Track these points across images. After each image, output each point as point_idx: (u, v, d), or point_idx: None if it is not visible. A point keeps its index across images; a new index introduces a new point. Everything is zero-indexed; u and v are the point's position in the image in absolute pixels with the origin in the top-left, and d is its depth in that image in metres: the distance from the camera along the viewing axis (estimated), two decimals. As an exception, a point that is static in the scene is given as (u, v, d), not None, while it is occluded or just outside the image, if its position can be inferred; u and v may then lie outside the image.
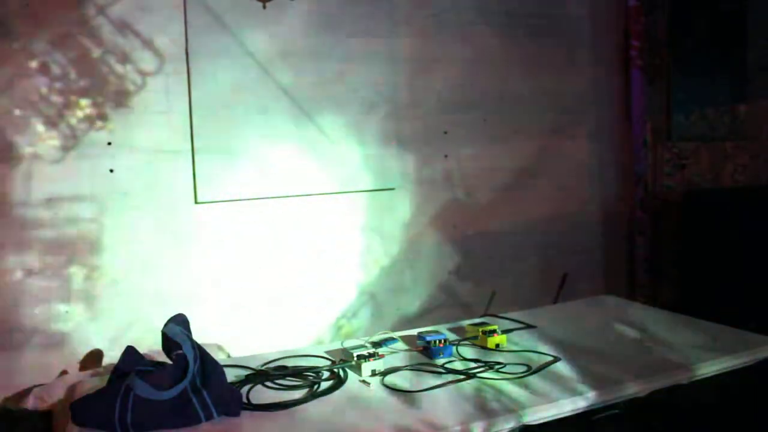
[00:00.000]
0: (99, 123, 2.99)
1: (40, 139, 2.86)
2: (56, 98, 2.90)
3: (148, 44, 3.03)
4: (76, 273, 2.95)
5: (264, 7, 3.00)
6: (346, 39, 3.33)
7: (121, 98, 3.02)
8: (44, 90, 2.89)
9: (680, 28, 4.15)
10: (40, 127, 2.88)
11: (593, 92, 4.04)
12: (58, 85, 2.90)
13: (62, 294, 2.93)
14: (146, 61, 3.05)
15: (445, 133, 3.64)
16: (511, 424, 1.61)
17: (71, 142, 2.93)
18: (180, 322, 1.71)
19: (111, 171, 2.94)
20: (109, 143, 2.93)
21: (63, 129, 2.92)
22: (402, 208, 3.55)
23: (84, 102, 2.96)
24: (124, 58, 3.01)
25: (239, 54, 3.14)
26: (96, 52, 2.96)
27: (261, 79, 3.18)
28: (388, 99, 3.45)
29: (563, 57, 3.91)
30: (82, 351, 2.94)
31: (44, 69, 2.87)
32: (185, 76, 3.08)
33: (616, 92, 4.13)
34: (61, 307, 2.92)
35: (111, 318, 2.99)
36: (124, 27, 2.99)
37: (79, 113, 2.96)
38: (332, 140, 3.34)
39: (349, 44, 3.35)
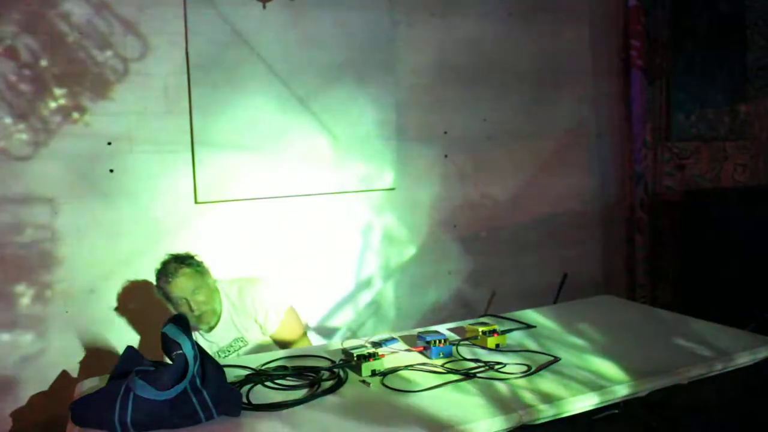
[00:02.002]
0: (75, 115, 2.70)
1: (7, 133, 2.61)
2: (26, 87, 2.62)
3: (130, 28, 2.76)
4: (24, 292, 2.72)
5: (264, 7, 3.00)
6: (347, 36, 3.33)
7: (101, 88, 2.75)
8: (12, 77, 2.61)
9: (680, 28, 4.15)
10: (6, 119, 2.63)
11: (593, 92, 4.04)
12: (27, 72, 2.62)
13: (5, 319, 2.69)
14: (129, 46, 2.79)
15: (445, 133, 3.64)
16: (511, 424, 1.60)
17: (43, 136, 2.64)
18: (180, 322, 1.71)
19: (111, 171, 2.93)
20: (110, 143, 2.90)
21: (34, 122, 2.63)
22: (402, 208, 3.55)
23: (58, 91, 2.69)
24: (104, 43, 2.73)
25: (240, 50, 3.12)
26: (71, 36, 2.67)
27: (263, 77, 3.18)
28: (387, 100, 3.46)
29: (563, 57, 3.91)
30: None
31: (12, 53, 2.58)
32: (173, 64, 2.92)
33: (616, 92, 4.13)
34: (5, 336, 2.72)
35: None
36: (102, 8, 2.72)
37: (53, 104, 2.68)
38: (336, 137, 3.33)
39: (350, 40, 3.35)
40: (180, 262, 2.44)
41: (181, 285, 2.40)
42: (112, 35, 2.80)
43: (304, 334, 2.62)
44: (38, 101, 2.67)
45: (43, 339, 2.84)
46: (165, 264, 2.45)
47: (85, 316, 2.92)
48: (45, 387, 2.86)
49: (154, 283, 2.47)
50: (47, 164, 2.72)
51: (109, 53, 2.73)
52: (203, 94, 3.05)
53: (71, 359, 2.89)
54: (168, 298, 2.45)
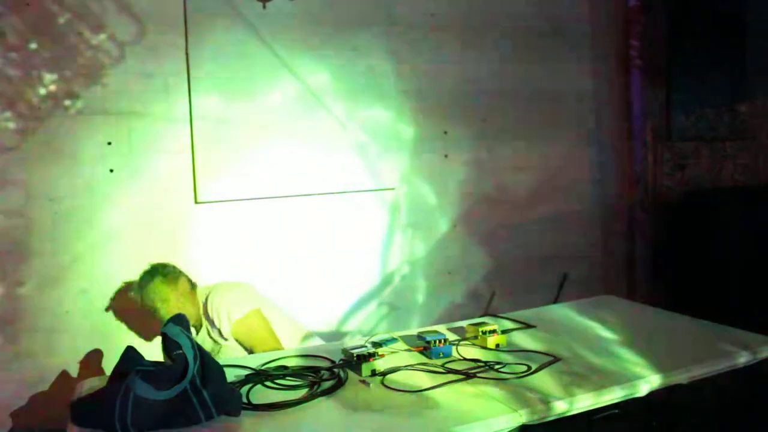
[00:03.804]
0: (67, 102, 2.58)
1: None
2: (13, 71, 2.49)
3: (125, 9, 2.63)
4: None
5: (264, 7, 2.99)
6: (347, 36, 3.33)
7: (94, 73, 2.62)
8: None
9: (680, 28, 4.15)
10: None
11: (593, 92, 4.04)
12: (14, 55, 2.48)
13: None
14: (124, 29, 2.66)
15: (445, 133, 3.64)
16: (511, 424, 1.60)
17: (32, 125, 2.50)
18: (180, 322, 1.71)
19: (111, 171, 2.92)
20: (110, 143, 2.90)
21: (22, 109, 2.50)
22: (401, 208, 3.55)
23: (48, 77, 2.57)
24: (98, 25, 2.61)
25: (243, 39, 3.09)
26: (62, 17, 2.54)
27: (267, 70, 3.17)
28: (388, 98, 3.46)
29: (563, 57, 3.91)
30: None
31: None
32: (171, 48, 2.82)
33: (616, 92, 4.13)
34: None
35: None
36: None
37: (42, 90, 2.56)
38: (340, 134, 3.32)
39: (351, 42, 3.35)
40: (152, 274, 2.54)
41: (151, 295, 2.53)
42: (106, 16, 2.68)
43: (271, 337, 2.52)
44: (26, 87, 2.53)
45: (41, 338, 2.83)
46: (141, 275, 2.56)
47: (83, 315, 2.92)
48: (45, 387, 2.86)
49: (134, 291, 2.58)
50: (37, 154, 2.61)
51: (102, 36, 2.61)
52: (203, 86, 3.04)
53: (71, 359, 2.89)
54: (144, 305, 2.56)
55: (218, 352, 2.56)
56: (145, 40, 2.84)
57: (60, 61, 2.58)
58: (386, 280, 3.53)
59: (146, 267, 2.57)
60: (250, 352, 2.51)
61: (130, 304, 2.86)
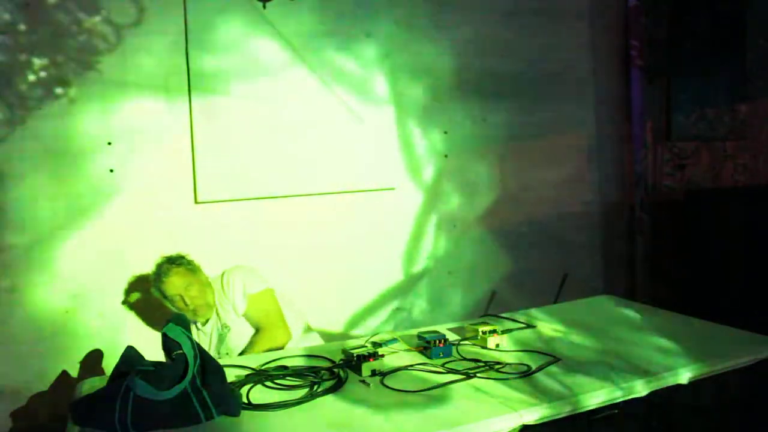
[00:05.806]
0: (58, 90, 2.42)
1: None
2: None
3: None
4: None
5: (264, 7, 2.99)
6: (359, 23, 3.32)
7: (88, 58, 2.46)
8: None
9: (680, 28, 4.15)
10: None
11: (593, 92, 4.04)
12: (1, 38, 2.31)
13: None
14: (121, 11, 2.49)
15: (445, 133, 3.63)
16: (511, 424, 1.61)
17: (20, 114, 2.35)
18: (180, 322, 1.71)
19: (111, 171, 2.91)
20: (109, 143, 2.88)
21: (9, 97, 2.33)
22: (401, 208, 3.55)
23: (38, 62, 2.41)
24: (92, 6, 2.45)
25: (244, 32, 3.07)
26: None
27: (268, 67, 3.15)
28: (387, 98, 3.46)
29: (563, 56, 3.91)
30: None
31: None
32: (169, 35, 2.71)
33: (616, 92, 4.13)
34: None
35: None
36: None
37: (32, 77, 2.40)
38: (346, 126, 3.32)
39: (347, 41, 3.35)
40: (171, 262, 2.60)
41: (174, 283, 2.56)
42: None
43: (281, 319, 2.60)
44: (14, 73, 2.37)
45: (41, 338, 2.84)
46: (158, 266, 2.61)
47: (82, 314, 2.91)
48: (45, 387, 2.85)
49: (151, 285, 2.62)
50: (25, 145, 2.47)
51: (97, 18, 2.44)
52: (203, 83, 3.01)
53: (71, 359, 2.89)
54: (164, 296, 2.60)
55: (227, 335, 2.62)
56: (144, 24, 2.69)
57: (51, 44, 2.40)
58: (386, 281, 3.53)
59: (160, 259, 2.61)
60: (257, 332, 2.58)
61: (146, 297, 2.89)
